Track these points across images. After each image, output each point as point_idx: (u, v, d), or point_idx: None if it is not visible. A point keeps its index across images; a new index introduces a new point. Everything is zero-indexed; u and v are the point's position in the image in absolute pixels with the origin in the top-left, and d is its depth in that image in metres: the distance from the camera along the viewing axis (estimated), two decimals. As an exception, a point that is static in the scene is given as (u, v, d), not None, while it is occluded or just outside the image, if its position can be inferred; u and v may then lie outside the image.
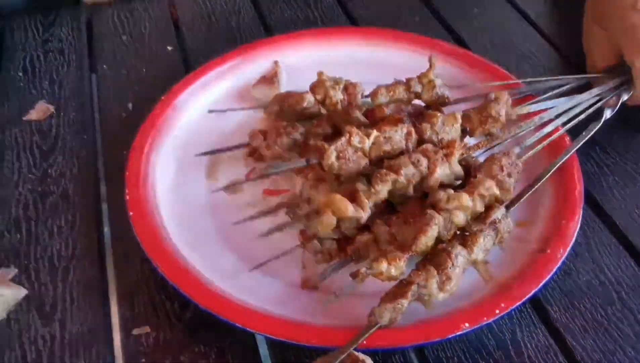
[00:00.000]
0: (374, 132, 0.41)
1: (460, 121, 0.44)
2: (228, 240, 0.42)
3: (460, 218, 0.37)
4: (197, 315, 0.38)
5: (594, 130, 0.46)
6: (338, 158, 0.39)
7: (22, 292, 0.40)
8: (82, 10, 0.65)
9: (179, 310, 0.39)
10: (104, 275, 0.42)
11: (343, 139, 0.40)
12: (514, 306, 0.36)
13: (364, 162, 0.40)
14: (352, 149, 0.39)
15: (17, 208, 0.45)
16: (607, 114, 0.48)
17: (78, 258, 0.42)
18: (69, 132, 0.51)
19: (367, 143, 0.40)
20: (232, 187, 0.46)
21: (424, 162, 0.39)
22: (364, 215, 0.36)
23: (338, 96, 0.43)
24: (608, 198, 0.46)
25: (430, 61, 0.46)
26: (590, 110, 0.47)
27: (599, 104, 0.48)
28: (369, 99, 0.47)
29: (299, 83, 0.50)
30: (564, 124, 0.46)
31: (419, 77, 0.46)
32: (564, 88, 0.50)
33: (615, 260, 0.42)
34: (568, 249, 0.40)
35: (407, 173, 0.38)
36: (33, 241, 0.43)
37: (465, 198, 0.37)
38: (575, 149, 0.45)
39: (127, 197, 0.42)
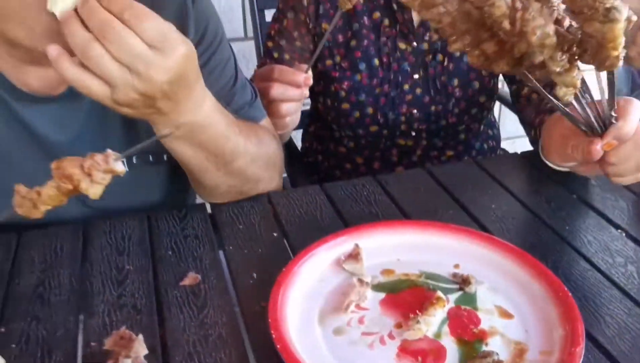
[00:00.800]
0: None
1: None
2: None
3: None
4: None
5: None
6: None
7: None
8: (205, 207, 0.89)
9: (317, 411, 0.57)
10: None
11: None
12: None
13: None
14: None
15: (187, 346, 0.65)
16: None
17: (238, 379, 0.61)
18: (214, 294, 0.72)
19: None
20: (337, 332, 0.66)
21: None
22: None
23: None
24: (602, 334, 0.65)
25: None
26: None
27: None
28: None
29: (375, 258, 0.73)
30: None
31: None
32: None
33: (611, 377, 0.61)
34: (578, 367, 0.59)
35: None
36: (204, 368, 0.62)
37: None
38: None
39: (274, 335, 0.62)
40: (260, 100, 0.97)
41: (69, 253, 0.79)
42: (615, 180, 0.78)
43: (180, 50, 0.67)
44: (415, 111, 1.24)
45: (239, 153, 0.83)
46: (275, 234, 0.83)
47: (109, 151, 0.55)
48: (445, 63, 1.21)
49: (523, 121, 1.17)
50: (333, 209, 0.88)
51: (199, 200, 0.99)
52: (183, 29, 0.87)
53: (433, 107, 1.24)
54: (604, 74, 0.68)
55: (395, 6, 1.17)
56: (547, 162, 0.93)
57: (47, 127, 0.83)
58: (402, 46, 1.20)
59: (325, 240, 0.76)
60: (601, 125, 0.72)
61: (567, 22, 0.60)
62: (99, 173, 0.53)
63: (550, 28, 0.60)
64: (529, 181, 0.98)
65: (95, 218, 0.86)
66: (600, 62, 0.63)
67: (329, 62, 1.21)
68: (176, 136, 0.77)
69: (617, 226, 0.83)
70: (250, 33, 1.89)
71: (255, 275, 0.75)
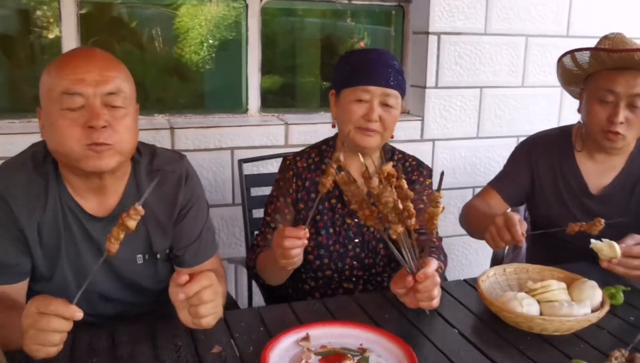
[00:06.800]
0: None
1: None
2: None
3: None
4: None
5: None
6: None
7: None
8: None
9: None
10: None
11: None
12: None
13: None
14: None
15: (216, 378, 1.26)
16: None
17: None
18: (229, 358, 1.33)
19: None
20: (294, 372, 1.28)
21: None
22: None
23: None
24: (428, 374, 1.28)
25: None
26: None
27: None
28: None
29: (317, 340, 1.36)
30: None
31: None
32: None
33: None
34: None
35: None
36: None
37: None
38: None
39: (261, 370, 1.24)
40: (277, 249, 1.53)
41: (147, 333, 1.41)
42: (421, 304, 1.46)
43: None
44: (355, 262, 1.91)
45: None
46: (261, 328, 1.46)
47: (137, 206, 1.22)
48: (375, 233, 1.90)
49: None
50: (295, 316, 1.52)
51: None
52: (177, 195, 1.64)
53: (366, 261, 1.91)
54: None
55: (345, 198, 1.89)
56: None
57: (99, 235, 1.52)
58: (348, 221, 1.90)
59: (289, 330, 1.40)
60: (416, 269, 1.43)
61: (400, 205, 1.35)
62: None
63: (391, 199, 1.33)
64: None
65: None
66: (428, 227, 1.38)
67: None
68: None
69: (453, 327, 1.49)
70: (237, 201, 2.63)
71: (251, 348, 1.37)
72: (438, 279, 1.43)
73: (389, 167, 1.37)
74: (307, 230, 1.52)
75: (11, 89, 2.78)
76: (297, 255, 1.53)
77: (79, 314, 1.17)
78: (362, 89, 1.79)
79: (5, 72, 2.73)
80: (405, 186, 1.37)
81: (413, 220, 1.36)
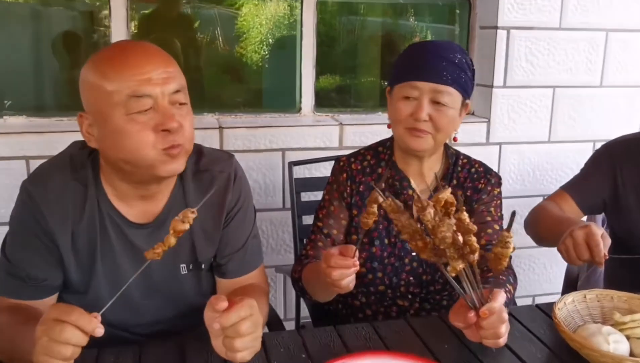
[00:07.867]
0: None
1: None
2: None
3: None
4: None
5: None
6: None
7: None
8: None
9: None
10: None
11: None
12: None
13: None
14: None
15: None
16: None
17: None
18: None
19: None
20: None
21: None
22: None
23: None
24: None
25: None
26: None
27: None
28: None
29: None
30: None
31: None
32: None
33: None
34: None
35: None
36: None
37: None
38: None
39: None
40: (325, 277, 1.36)
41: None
42: (485, 342, 1.25)
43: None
44: (411, 278, 1.73)
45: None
46: (303, 355, 1.30)
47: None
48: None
49: None
50: (341, 342, 1.35)
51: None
52: (225, 198, 1.50)
53: (424, 277, 1.73)
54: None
55: (395, 228, 1.70)
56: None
57: (142, 243, 1.40)
58: (405, 231, 1.72)
59: (334, 360, 1.23)
60: (479, 303, 1.22)
61: (460, 237, 1.15)
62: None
63: (449, 234, 1.12)
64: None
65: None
66: (495, 267, 1.18)
67: (354, 237, 1.73)
68: None
69: (523, 362, 1.28)
70: (288, 205, 2.48)
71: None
72: (506, 315, 1.23)
73: (446, 194, 1.17)
74: (356, 258, 1.36)
75: (58, 87, 2.74)
76: (348, 283, 1.37)
77: (99, 330, 1.05)
78: (410, 85, 1.62)
79: (54, 71, 2.69)
80: (467, 219, 1.17)
81: (476, 255, 1.16)
